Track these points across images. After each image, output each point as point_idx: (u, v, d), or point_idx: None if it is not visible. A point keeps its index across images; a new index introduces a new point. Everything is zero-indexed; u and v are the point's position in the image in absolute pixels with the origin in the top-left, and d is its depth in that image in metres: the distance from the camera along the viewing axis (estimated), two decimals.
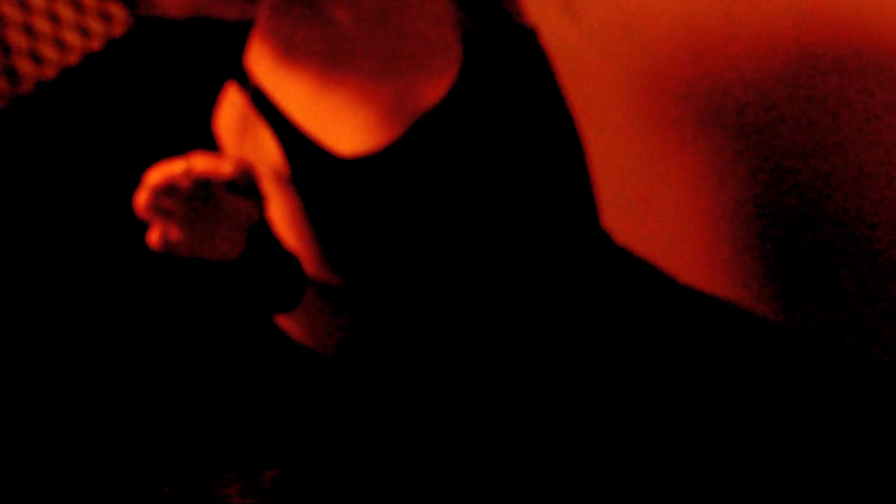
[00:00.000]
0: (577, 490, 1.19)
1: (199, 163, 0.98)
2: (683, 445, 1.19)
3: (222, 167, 0.97)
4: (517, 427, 1.25)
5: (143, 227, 1.51)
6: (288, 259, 1.17)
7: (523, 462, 1.22)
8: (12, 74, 1.80)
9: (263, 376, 1.71)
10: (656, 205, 1.75)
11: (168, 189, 0.99)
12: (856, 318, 1.59)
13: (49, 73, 1.80)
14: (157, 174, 0.98)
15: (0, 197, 1.68)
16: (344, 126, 1.19)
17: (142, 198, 0.99)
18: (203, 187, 1.01)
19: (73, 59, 1.80)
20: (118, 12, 1.79)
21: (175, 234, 1.02)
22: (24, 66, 1.81)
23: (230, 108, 1.24)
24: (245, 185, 1.01)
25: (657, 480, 1.18)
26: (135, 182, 1.61)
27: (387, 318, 1.33)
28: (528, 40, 1.26)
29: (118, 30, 1.80)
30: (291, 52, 1.20)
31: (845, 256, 1.56)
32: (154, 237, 1.02)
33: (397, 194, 1.20)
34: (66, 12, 1.80)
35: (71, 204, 1.71)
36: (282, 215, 1.26)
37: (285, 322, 1.26)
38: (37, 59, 1.81)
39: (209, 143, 1.35)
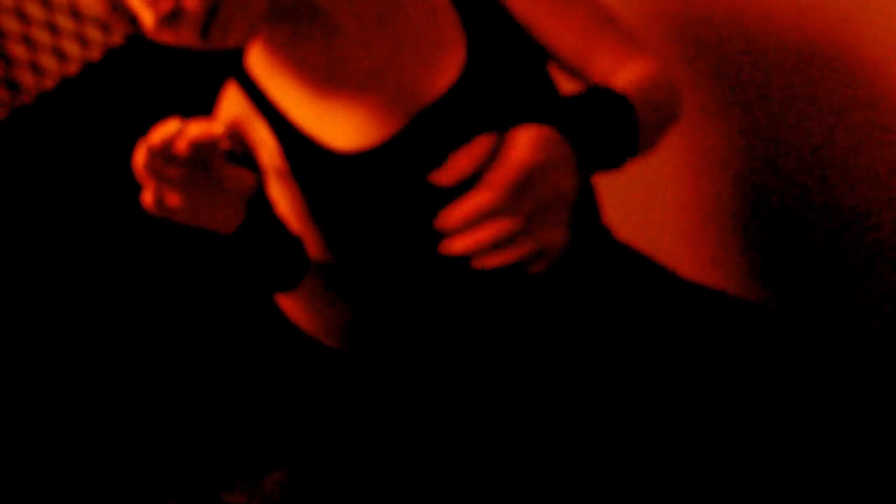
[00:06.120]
0: (584, 485, 1.19)
1: (194, 125, 1.00)
2: (689, 441, 1.19)
3: (213, 127, 0.99)
4: (522, 426, 1.24)
5: (143, 232, 1.51)
6: (289, 236, 1.18)
7: (530, 462, 1.22)
8: (13, 85, 1.81)
9: (267, 380, 1.70)
10: (657, 200, 1.74)
11: (168, 156, 1.01)
12: (862, 310, 1.59)
13: (49, 83, 1.81)
14: (156, 135, 1.00)
15: (1, 206, 1.69)
16: (342, 123, 1.19)
17: (140, 157, 1.02)
18: (201, 155, 1.03)
19: (72, 69, 1.80)
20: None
21: (174, 200, 1.04)
22: (25, 77, 1.82)
23: (229, 106, 1.25)
24: (242, 155, 1.03)
25: (663, 476, 1.17)
26: (136, 188, 1.62)
27: (390, 315, 1.33)
28: (527, 37, 1.26)
29: (117, 38, 1.80)
30: (290, 50, 1.21)
31: (848, 250, 1.56)
32: (148, 198, 1.04)
33: (396, 189, 1.20)
34: (64, 22, 1.80)
35: (74, 214, 1.71)
36: (283, 207, 1.27)
37: (287, 304, 1.26)
38: (37, 69, 1.81)
39: None
